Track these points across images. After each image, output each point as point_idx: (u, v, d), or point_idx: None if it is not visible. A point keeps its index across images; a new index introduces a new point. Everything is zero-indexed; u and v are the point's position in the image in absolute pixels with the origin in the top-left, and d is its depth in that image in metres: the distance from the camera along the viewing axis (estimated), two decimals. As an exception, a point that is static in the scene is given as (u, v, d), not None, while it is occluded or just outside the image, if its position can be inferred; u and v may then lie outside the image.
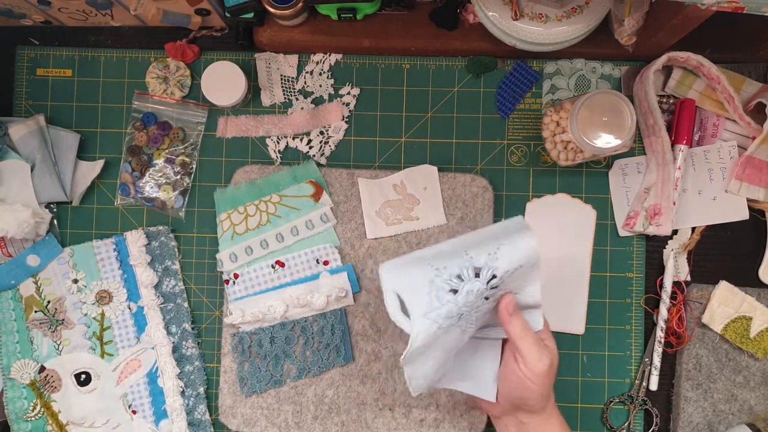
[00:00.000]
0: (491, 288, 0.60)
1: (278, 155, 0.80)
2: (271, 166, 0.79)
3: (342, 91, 0.81)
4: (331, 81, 0.81)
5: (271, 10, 0.74)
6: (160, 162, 0.80)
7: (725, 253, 0.79)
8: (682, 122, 0.76)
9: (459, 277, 0.59)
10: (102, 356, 0.78)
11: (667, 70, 0.78)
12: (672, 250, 0.78)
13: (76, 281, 0.78)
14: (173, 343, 0.78)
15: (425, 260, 0.60)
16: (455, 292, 0.59)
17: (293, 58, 0.81)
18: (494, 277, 0.59)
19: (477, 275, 0.59)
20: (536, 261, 0.60)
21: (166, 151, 0.80)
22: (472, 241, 0.60)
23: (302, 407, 0.77)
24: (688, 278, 0.79)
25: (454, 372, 0.68)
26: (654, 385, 0.77)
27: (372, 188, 0.78)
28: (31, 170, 0.77)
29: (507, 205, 0.80)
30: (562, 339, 0.79)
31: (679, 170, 0.76)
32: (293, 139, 0.80)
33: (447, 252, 0.60)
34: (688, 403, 0.77)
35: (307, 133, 0.80)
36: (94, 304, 0.78)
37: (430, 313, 0.59)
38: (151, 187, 0.80)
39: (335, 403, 0.77)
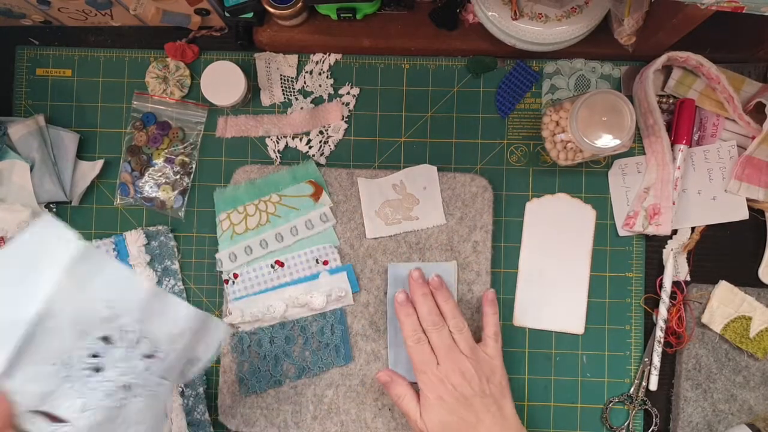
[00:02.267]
0: (138, 343, 0.55)
1: (278, 155, 0.80)
2: (271, 166, 0.79)
3: (342, 91, 0.81)
4: (331, 81, 0.81)
5: (271, 10, 0.74)
6: (159, 162, 0.80)
7: (725, 253, 0.79)
8: (682, 122, 0.76)
9: (94, 355, 0.53)
10: (101, 356, 0.78)
11: (667, 69, 0.78)
12: (672, 250, 0.78)
13: (75, 281, 0.78)
14: (173, 342, 0.78)
15: (42, 359, 0.51)
16: (99, 369, 0.53)
17: (293, 58, 0.81)
18: (124, 332, 0.54)
19: (107, 342, 0.53)
20: (156, 290, 0.56)
21: (166, 150, 0.80)
22: (73, 311, 0.52)
23: (301, 407, 0.77)
24: (688, 278, 0.79)
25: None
26: (654, 385, 0.77)
27: (371, 188, 0.78)
28: (31, 170, 0.77)
29: (507, 205, 0.80)
30: (562, 339, 0.79)
31: (679, 170, 0.76)
32: (293, 138, 0.80)
33: (57, 341, 0.52)
34: (687, 403, 0.77)
35: (307, 133, 0.80)
36: (93, 303, 0.78)
37: (87, 403, 0.53)
38: (151, 187, 0.80)
39: (335, 403, 0.77)
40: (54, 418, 0.53)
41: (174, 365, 0.59)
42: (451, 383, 0.67)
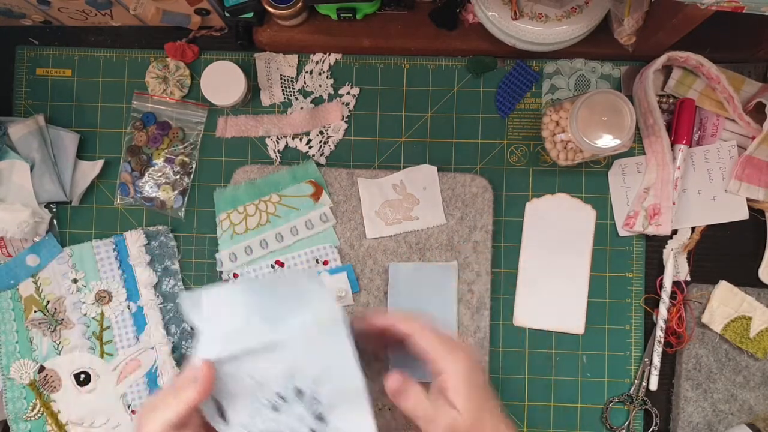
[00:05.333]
0: (317, 418, 0.58)
1: (278, 155, 0.80)
2: (271, 166, 0.79)
3: (342, 91, 0.81)
4: (331, 81, 0.81)
5: (271, 10, 0.74)
6: (159, 162, 0.80)
7: (725, 253, 0.79)
8: (682, 122, 0.76)
9: (281, 397, 0.58)
10: (101, 356, 0.78)
11: (667, 69, 0.78)
12: (672, 249, 0.78)
13: (75, 281, 0.78)
14: (173, 342, 0.78)
15: (245, 371, 0.57)
16: (276, 409, 0.58)
17: (293, 58, 0.81)
18: (315, 400, 0.58)
19: (299, 395, 0.57)
20: (362, 388, 0.57)
21: (166, 150, 0.80)
22: (297, 355, 0.56)
23: (302, 407, 0.77)
24: (688, 278, 0.79)
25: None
26: (654, 385, 0.77)
27: (371, 188, 0.78)
28: (31, 170, 0.77)
29: (507, 205, 0.80)
30: (562, 339, 0.79)
31: (679, 170, 0.76)
32: (293, 138, 0.80)
33: (269, 365, 0.57)
34: (687, 403, 0.77)
35: (307, 133, 0.80)
36: (93, 303, 0.78)
37: (249, 424, 0.58)
38: (151, 187, 0.80)
39: (335, 403, 0.77)
40: (222, 414, 0.58)
41: None
42: None
